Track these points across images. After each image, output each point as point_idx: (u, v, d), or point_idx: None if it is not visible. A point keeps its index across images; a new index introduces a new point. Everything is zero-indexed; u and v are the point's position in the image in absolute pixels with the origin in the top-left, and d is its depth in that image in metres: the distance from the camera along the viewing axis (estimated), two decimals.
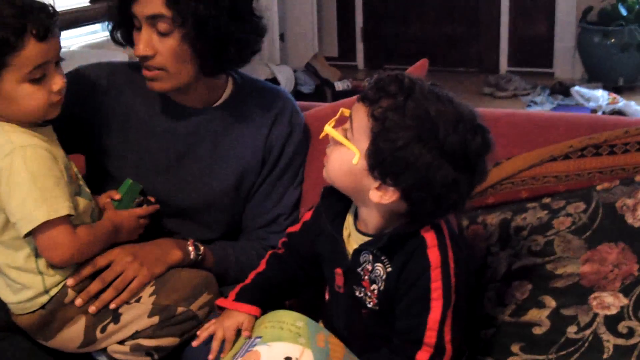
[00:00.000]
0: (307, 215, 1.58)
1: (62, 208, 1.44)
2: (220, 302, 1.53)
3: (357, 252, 1.39)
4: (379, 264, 1.37)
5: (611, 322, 1.45)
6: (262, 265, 1.58)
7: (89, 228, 1.53)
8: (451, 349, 1.33)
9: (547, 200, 1.69)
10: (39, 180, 1.43)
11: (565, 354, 1.44)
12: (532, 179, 1.75)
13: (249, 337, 1.45)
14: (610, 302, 1.48)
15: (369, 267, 1.38)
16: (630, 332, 1.42)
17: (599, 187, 1.65)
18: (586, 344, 1.44)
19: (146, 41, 1.59)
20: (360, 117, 1.29)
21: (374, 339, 1.42)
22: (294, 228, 1.60)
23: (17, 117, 1.47)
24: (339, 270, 1.43)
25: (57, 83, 1.47)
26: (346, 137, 1.32)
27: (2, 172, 1.43)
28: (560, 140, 1.77)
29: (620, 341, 1.42)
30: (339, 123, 1.36)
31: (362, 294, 1.40)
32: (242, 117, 1.77)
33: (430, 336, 1.31)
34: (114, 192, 1.67)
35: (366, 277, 1.38)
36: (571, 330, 1.47)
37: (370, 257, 1.38)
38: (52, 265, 1.50)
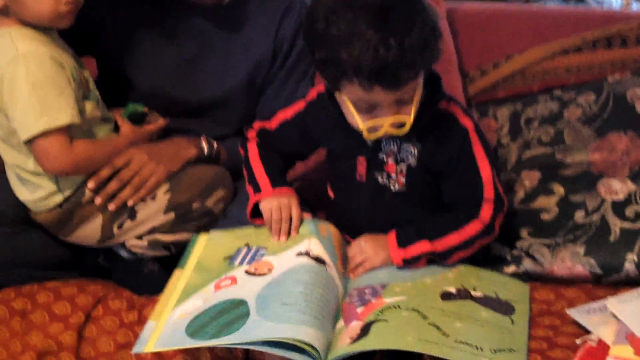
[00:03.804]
0: (286, 114, 1.57)
1: (62, 117, 1.44)
2: (257, 197, 1.52)
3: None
4: (407, 143, 1.40)
5: (619, 207, 1.48)
6: (257, 157, 1.57)
7: (90, 143, 1.53)
8: (505, 199, 1.43)
9: (558, 92, 1.70)
10: (39, 89, 1.43)
11: (573, 237, 1.48)
12: (544, 72, 1.75)
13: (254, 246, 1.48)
14: (618, 188, 1.50)
15: (394, 149, 1.41)
16: (637, 216, 1.46)
17: (610, 79, 1.65)
18: (593, 228, 1.47)
19: None
20: (409, 89, 1.28)
21: (398, 225, 1.45)
22: (269, 125, 1.59)
23: (25, 17, 1.46)
24: (361, 159, 1.44)
25: None
26: (406, 100, 1.31)
27: (5, 80, 1.43)
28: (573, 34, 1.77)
29: (627, 225, 1.45)
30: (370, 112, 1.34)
31: (384, 180, 1.43)
32: (252, 13, 1.76)
33: (489, 191, 1.40)
34: (117, 115, 1.67)
35: (390, 160, 1.42)
36: (579, 215, 1.50)
37: (397, 139, 1.40)
38: None
